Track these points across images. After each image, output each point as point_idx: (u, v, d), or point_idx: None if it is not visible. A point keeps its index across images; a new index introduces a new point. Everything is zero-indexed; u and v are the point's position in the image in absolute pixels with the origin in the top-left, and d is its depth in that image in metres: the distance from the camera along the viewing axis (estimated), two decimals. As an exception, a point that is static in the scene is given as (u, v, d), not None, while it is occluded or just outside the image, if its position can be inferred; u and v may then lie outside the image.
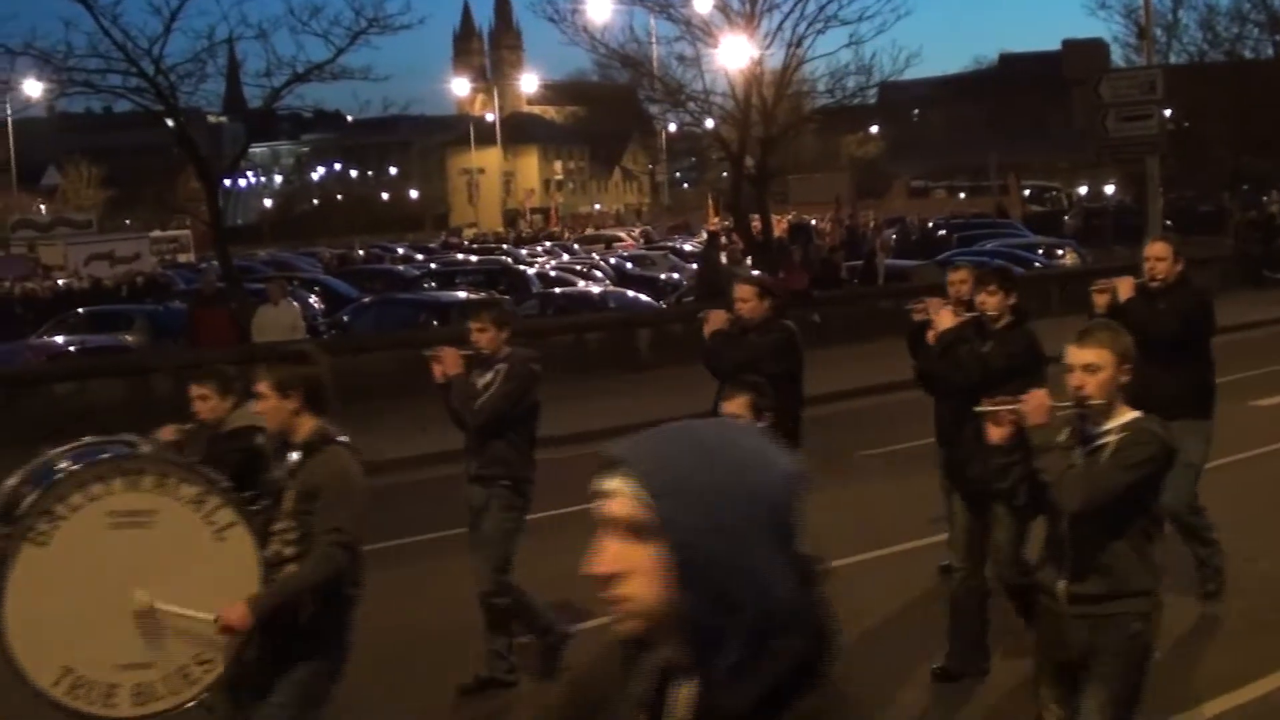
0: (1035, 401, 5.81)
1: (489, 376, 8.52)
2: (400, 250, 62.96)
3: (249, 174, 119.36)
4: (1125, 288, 9.57)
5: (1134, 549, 5.64)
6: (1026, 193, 70.27)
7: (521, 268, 40.74)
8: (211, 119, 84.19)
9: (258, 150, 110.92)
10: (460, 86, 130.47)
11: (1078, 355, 5.64)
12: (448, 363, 8.54)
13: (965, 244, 40.84)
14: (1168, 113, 30.16)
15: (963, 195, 78.38)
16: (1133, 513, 5.65)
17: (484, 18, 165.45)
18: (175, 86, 23.84)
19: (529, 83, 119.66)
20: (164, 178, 74.75)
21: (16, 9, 25.18)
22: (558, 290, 33.23)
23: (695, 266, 33.80)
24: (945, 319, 8.67)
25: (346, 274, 42.26)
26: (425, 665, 9.23)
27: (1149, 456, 5.58)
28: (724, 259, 27.09)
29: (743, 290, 9.54)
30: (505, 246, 62.10)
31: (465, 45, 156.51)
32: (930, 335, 8.76)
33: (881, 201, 69.36)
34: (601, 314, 27.97)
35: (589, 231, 75.78)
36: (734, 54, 29.75)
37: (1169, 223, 33.48)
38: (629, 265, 42.83)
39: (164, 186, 72.83)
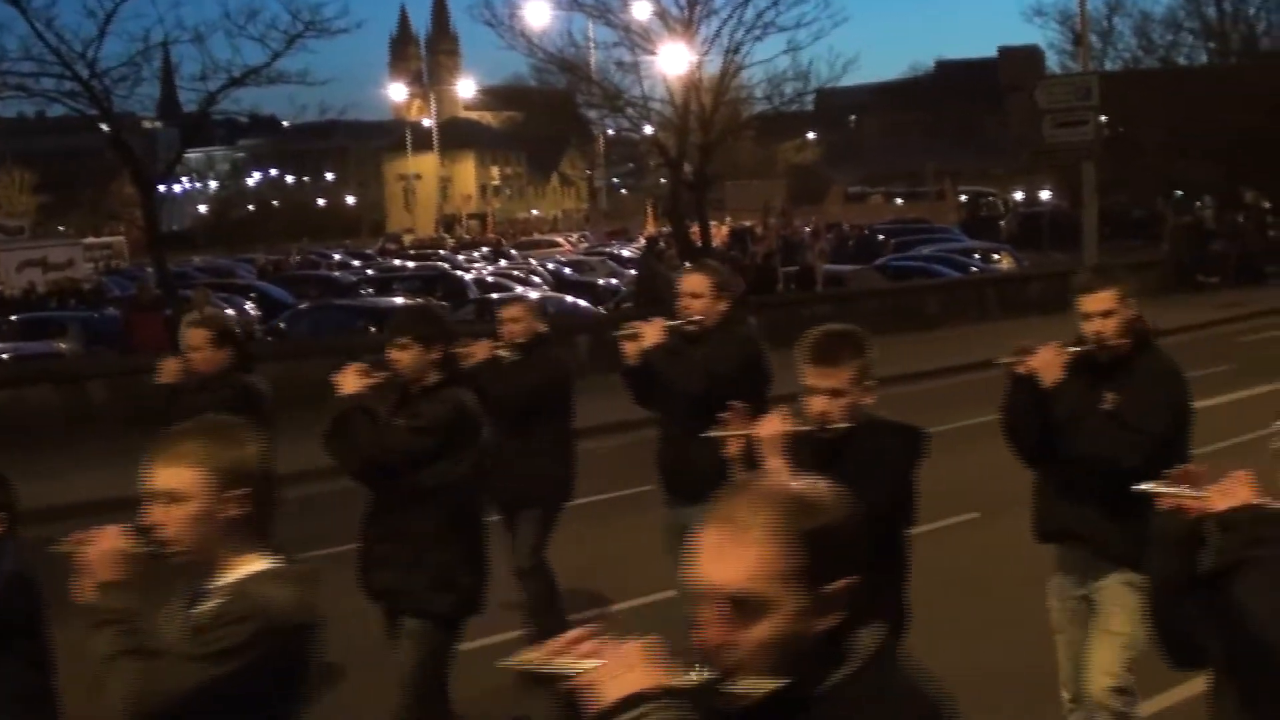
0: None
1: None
2: (337, 256, 62.71)
3: (184, 179, 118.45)
4: (653, 332, 7.55)
5: None
6: (963, 198, 70.76)
7: (459, 273, 40.64)
8: (146, 124, 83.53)
9: (193, 155, 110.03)
10: (397, 91, 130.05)
11: None
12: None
13: (902, 249, 41.06)
14: (1103, 119, 30.43)
15: (899, 201, 78.88)
16: None
17: (421, 22, 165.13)
18: (110, 91, 23.64)
19: (466, 88, 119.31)
20: (97, 183, 74.17)
21: (-54, 12, 24.80)
22: (495, 296, 33.17)
23: (634, 272, 33.83)
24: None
25: (282, 280, 42.05)
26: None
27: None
28: (662, 266, 27.11)
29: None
30: (443, 253, 61.97)
31: (402, 50, 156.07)
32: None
33: (819, 207, 69.61)
34: (543, 319, 27.95)
35: (526, 238, 75.73)
36: (672, 60, 29.77)
37: (1106, 229, 33.78)
38: (567, 271, 42.80)
39: (97, 192, 72.24)
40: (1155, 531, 4.11)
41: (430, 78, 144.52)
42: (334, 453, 6.54)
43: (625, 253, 48.40)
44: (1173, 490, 3.99)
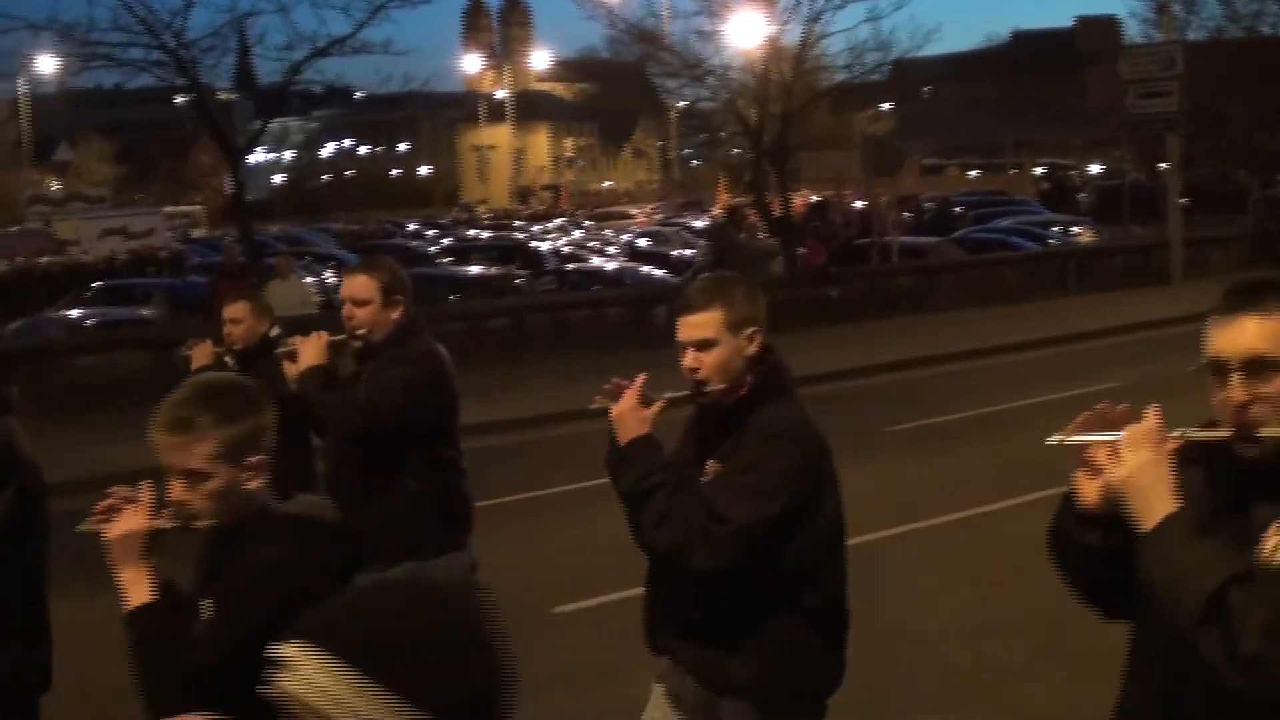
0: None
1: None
2: (411, 226, 62.98)
3: (260, 149, 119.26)
4: (311, 349, 6.29)
5: None
6: (1039, 170, 70.07)
7: (536, 244, 40.81)
8: (221, 95, 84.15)
9: (270, 126, 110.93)
10: (470, 63, 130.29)
11: None
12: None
13: (980, 221, 40.78)
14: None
15: (975, 173, 78.24)
16: None
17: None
18: (196, 61, 23.83)
19: (539, 59, 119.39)
20: (176, 153, 74.80)
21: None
22: (571, 266, 33.33)
23: (705, 243, 33.83)
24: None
25: (360, 249, 42.32)
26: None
27: None
28: (742, 235, 27.13)
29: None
30: (518, 223, 62.13)
31: (474, 21, 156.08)
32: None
33: (893, 179, 69.17)
34: (619, 290, 28.08)
35: (600, 209, 75.73)
36: (751, 29, 29.67)
37: (1185, 200, 33.40)
38: (641, 242, 42.84)
39: (176, 162, 72.88)
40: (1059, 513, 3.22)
41: (503, 49, 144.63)
42: None
43: (698, 224, 48.37)
44: (1084, 437, 3.11)
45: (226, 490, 3.51)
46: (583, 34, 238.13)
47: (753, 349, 4.48)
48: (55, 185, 76.24)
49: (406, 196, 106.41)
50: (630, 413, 4.40)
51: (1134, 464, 2.96)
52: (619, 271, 32.19)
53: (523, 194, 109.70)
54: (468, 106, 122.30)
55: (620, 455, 4.41)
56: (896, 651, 8.17)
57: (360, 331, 6.10)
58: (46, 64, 34.24)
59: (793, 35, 29.67)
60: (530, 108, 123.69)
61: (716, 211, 48.57)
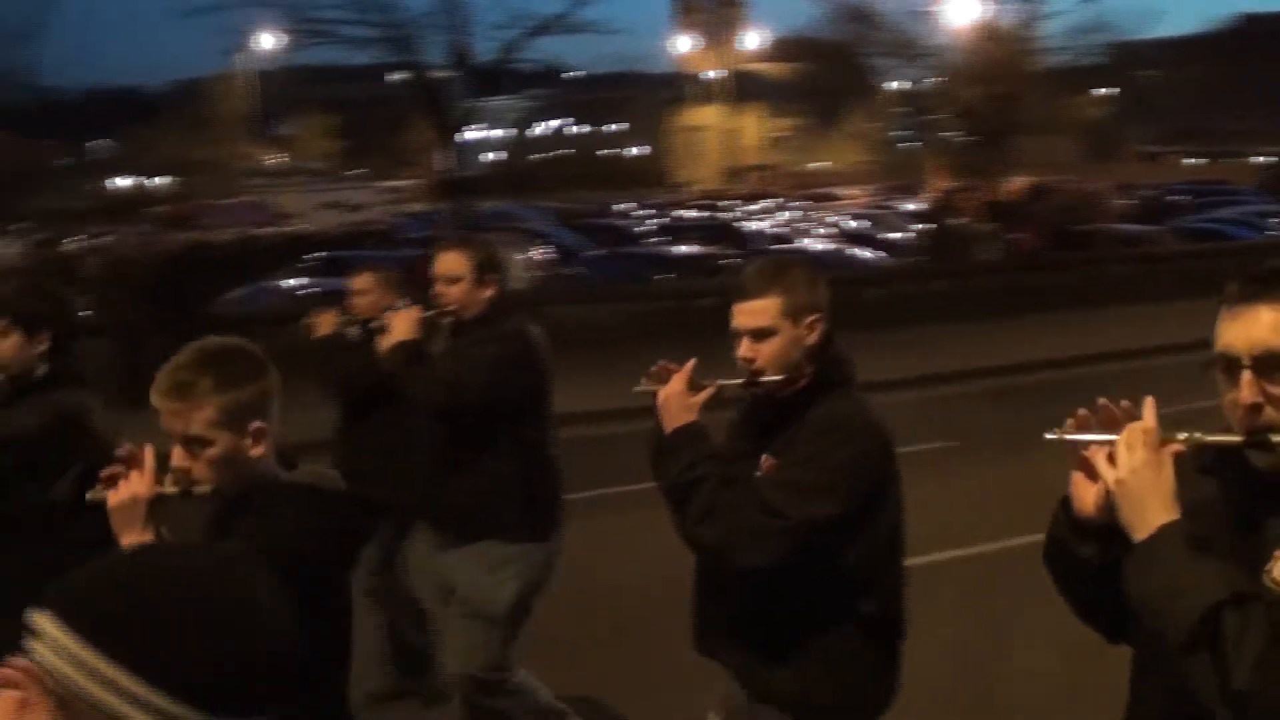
0: None
1: None
2: (622, 206, 63.34)
3: (472, 128, 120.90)
4: (402, 324, 6.17)
5: None
6: (1260, 159, 68.01)
7: (744, 224, 40.78)
8: (437, 74, 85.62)
9: (483, 104, 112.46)
10: (681, 44, 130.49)
11: None
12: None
13: (1199, 210, 39.74)
14: None
15: (1195, 161, 76.26)
16: None
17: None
18: (413, 39, 24.24)
19: (750, 40, 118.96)
20: (392, 130, 76.07)
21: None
22: (776, 247, 33.20)
23: (921, 227, 33.45)
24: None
25: (574, 227, 42.69)
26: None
27: None
28: (962, 219, 26.83)
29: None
30: (726, 204, 62.10)
31: (686, 2, 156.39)
32: None
33: (1110, 165, 67.79)
34: (829, 271, 27.94)
35: (810, 190, 75.37)
36: (968, 9, 29.28)
37: None
38: (851, 224, 42.55)
39: (392, 138, 74.19)
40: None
41: (713, 29, 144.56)
42: None
43: (910, 206, 47.87)
44: (1083, 436, 2.86)
45: (228, 457, 3.44)
46: (795, 14, 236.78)
47: (813, 339, 4.20)
48: (276, 159, 78.22)
49: (616, 176, 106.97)
50: (677, 398, 4.10)
51: (1129, 467, 2.68)
52: (826, 253, 31.96)
53: (732, 175, 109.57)
54: (677, 87, 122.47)
55: (665, 444, 4.12)
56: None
57: (450, 309, 6.06)
58: (269, 41, 35.07)
59: (1010, 16, 29.22)
60: (741, 88, 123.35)
61: (931, 195, 48.07)
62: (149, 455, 3.60)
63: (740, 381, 4.21)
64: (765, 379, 4.15)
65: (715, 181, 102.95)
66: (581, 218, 51.49)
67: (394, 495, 6.50)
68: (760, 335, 4.13)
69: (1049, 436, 2.94)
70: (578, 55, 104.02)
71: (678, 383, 4.13)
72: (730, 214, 50.17)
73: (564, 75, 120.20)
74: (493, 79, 33.64)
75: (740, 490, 4.00)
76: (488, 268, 6.10)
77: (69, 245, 27.92)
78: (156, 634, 1.81)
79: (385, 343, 6.13)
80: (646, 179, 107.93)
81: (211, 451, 3.43)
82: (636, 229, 41.42)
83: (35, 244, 25.64)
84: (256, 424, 3.45)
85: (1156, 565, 2.58)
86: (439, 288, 6.08)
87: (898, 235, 37.51)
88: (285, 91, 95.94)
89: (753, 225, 41.23)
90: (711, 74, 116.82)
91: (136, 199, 50.41)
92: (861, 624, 4.19)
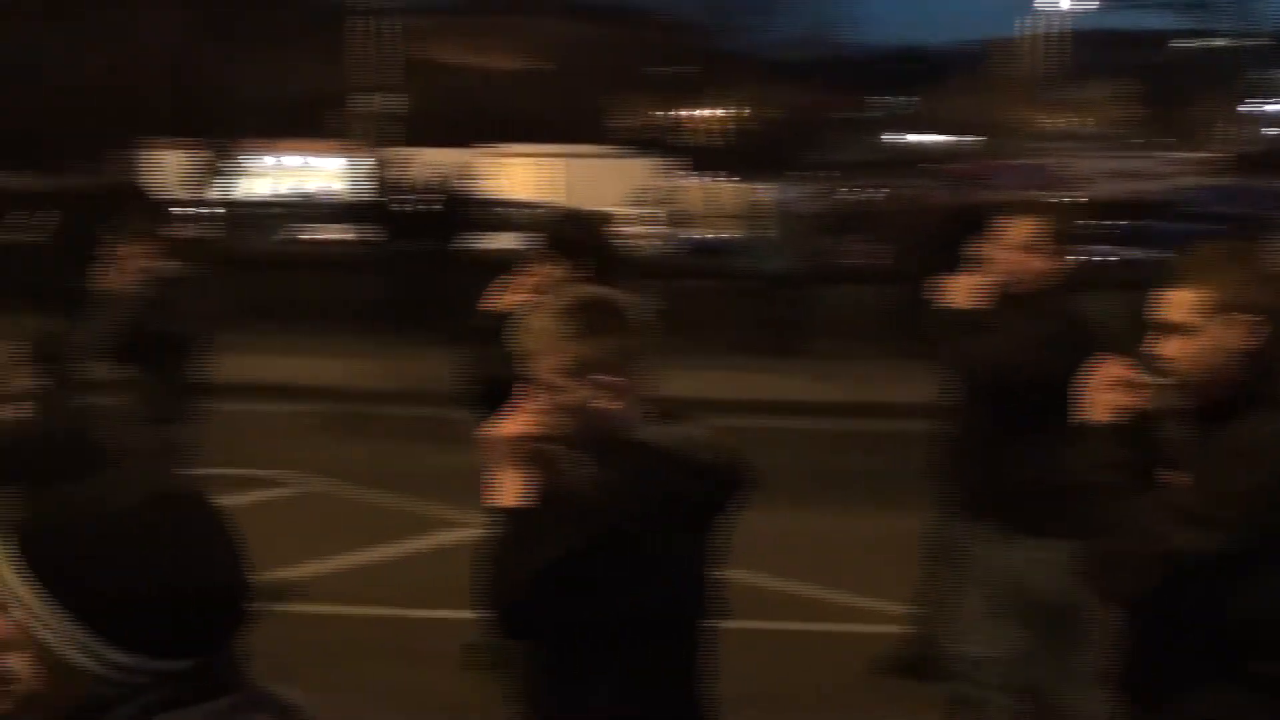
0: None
1: None
2: None
3: (1257, 100, 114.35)
4: (961, 290, 5.77)
5: None
6: None
7: None
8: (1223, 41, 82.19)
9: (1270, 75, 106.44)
10: None
11: None
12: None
13: None
14: None
15: None
16: None
17: None
18: (1213, 4, 23.42)
19: None
20: (1178, 98, 73.73)
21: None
22: None
23: None
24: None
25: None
26: None
27: None
28: None
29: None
30: None
31: None
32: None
33: None
34: None
35: None
36: None
37: None
38: None
39: (1180, 107, 72.01)
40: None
41: None
42: None
43: None
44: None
45: (574, 407, 3.39)
46: None
47: (1246, 342, 3.42)
48: (1066, 123, 77.59)
49: None
50: (1104, 389, 3.50)
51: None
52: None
53: None
54: None
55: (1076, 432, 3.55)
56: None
57: (1024, 282, 5.57)
58: (1065, 3, 34.82)
59: None
60: None
61: None
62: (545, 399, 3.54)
63: (1167, 381, 3.56)
64: (1181, 383, 3.51)
65: None
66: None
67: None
68: (1178, 330, 3.50)
69: None
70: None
71: (1110, 372, 3.52)
72: None
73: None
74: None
75: (1127, 506, 3.41)
76: (1061, 239, 5.66)
77: (846, 194, 28.95)
78: (81, 569, 1.86)
79: (937, 305, 5.80)
80: None
81: (559, 399, 3.42)
82: None
83: (817, 192, 26.74)
84: (606, 378, 3.41)
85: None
86: (1004, 254, 5.64)
87: None
88: (1078, 56, 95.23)
89: None
90: None
91: (917, 155, 51.39)
92: (1254, 686, 3.42)
